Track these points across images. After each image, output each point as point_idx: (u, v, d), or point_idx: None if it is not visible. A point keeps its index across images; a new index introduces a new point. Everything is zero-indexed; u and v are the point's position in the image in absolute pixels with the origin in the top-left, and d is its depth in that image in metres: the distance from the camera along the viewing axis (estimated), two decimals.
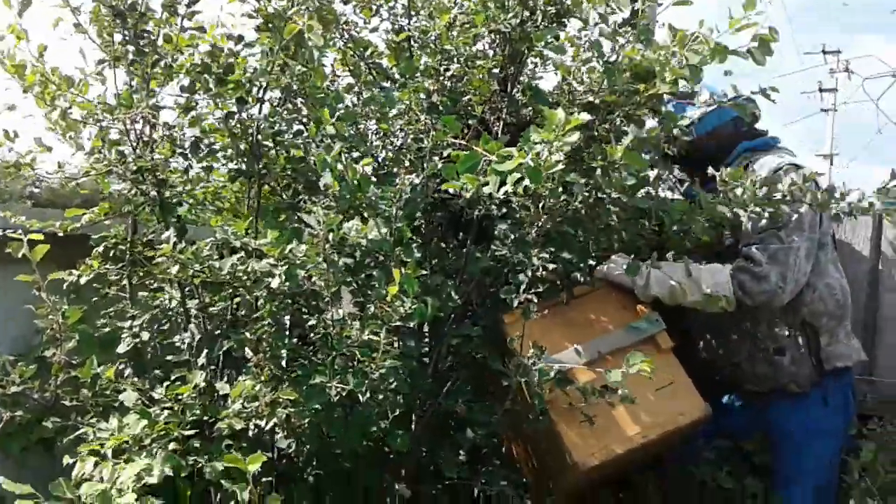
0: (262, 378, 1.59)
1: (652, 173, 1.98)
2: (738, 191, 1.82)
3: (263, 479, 1.61)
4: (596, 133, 1.87)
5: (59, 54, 1.88)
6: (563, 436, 1.76)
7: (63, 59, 1.88)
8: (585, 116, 1.39)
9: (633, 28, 1.89)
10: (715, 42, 1.68)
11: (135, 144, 1.81)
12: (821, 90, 22.38)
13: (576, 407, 1.74)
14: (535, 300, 1.69)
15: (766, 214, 1.88)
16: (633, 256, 1.92)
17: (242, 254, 1.68)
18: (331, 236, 1.53)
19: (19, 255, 1.73)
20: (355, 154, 1.88)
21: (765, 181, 1.87)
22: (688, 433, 1.95)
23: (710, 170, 1.97)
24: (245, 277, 1.64)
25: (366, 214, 1.77)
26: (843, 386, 2.16)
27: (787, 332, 2.09)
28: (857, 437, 2.37)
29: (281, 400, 1.50)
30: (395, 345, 1.66)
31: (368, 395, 1.50)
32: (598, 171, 1.72)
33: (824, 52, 22.29)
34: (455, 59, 1.97)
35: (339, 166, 1.70)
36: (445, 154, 1.84)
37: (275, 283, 1.60)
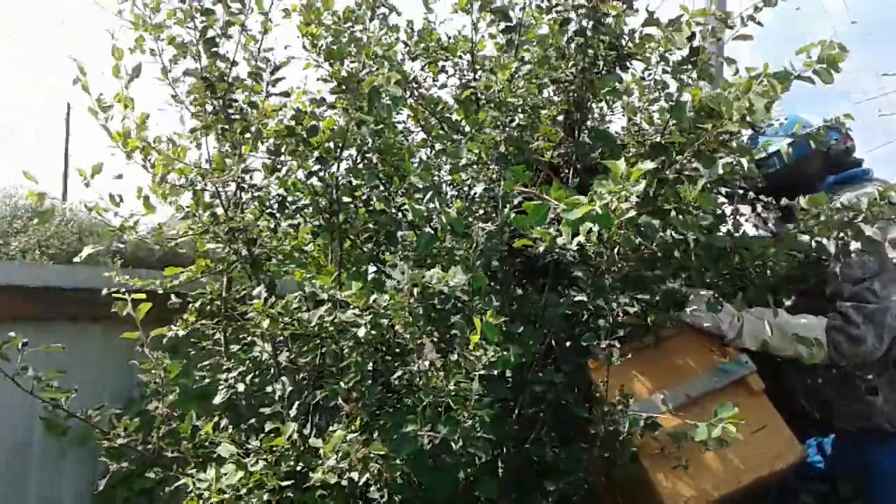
0: (354, 427, 1.64)
1: (729, 209, 1.98)
2: (820, 217, 1.80)
3: None
4: (667, 174, 1.88)
5: (159, 124, 2.03)
6: (656, 483, 1.75)
7: (163, 129, 2.02)
8: (648, 165, 1.41)
9: (693, 66, 1.91)
10: (778, 72, 1.69)
11: (226, 206, 1.93)
12: None
13: (668, 453, 1.73)
14: (618, 346, 1.70)
15: (855, 257, 1.84)
16: (713, 295, 1.90)
17: (329, 305, 1.75)
18: (415, 290, 1.59)
19: (124, 314, 1.83)
20: (433, 204, 1.94)
21: (847, 206, 1.85)
22: (785, 475, 1.91)
23: (797, 199, 1.93)
24: (332, 328, 1.70)
25: (443, 264, 1.83)
26: None
27: (878, 371, 2.04)
28: None
29: (372, 455, 1.55)
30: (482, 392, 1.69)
31: (461, 442, 1.53)
32: (673, 213, 1.73)
33: None
34: (520, 110, 2.03)
35: (429, 213, 1.78)
36: (517, 202, 1.89)
37: (361, 332, 1.65)
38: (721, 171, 1.85)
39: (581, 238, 1.54)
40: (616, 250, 1.73)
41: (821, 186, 2.13)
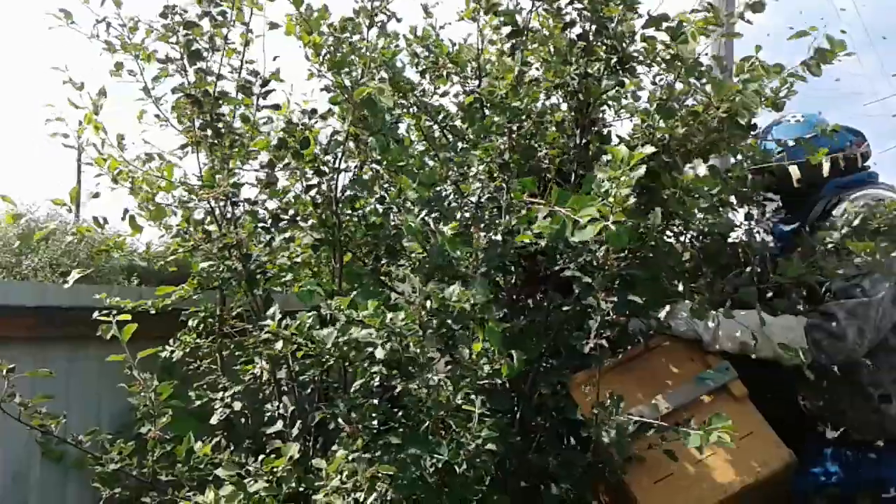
0: (357, 446, 1.57)
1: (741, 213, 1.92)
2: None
3: None
4: (666, 162, 1.82)
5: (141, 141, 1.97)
6: (639, 498, 1.68)
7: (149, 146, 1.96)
8: (649, 149, 1.38)
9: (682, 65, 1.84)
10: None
11: (219, 222, 1.87)
12: None
13: (650, 467, 1.66)
14: (606, 345, 1.63)
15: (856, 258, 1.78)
16: (696, 303, 1.81)
17: (342, 324, 1.67)
18: (428, 303, 1.52)
19: (108, 337, 1.77)
20: (434, 215, 1.88)
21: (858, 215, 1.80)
22: (778, 481, 1.81)
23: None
24: (346, 348, 1.63)
25: (448, 275, 1.76)
26: None
27: (892, 378, 1.95)
28: None
29: (381, 475, 1.48)
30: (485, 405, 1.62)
31: (464, 465, 1.46)
32: (669, 197, 1.68)
33: None
34: (526, 116, 1.97)
35: (425, 230, 1.72)
36: (523, 212, 1.82)
37: (379, 353, 1.58)
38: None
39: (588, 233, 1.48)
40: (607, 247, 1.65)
41: (825, 190, 2.05)
